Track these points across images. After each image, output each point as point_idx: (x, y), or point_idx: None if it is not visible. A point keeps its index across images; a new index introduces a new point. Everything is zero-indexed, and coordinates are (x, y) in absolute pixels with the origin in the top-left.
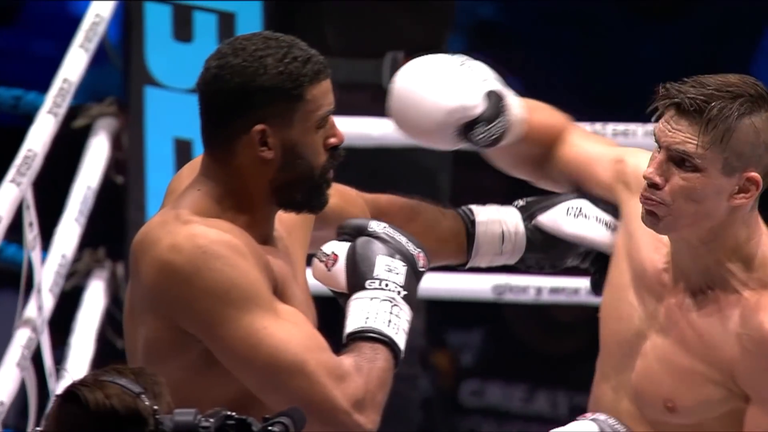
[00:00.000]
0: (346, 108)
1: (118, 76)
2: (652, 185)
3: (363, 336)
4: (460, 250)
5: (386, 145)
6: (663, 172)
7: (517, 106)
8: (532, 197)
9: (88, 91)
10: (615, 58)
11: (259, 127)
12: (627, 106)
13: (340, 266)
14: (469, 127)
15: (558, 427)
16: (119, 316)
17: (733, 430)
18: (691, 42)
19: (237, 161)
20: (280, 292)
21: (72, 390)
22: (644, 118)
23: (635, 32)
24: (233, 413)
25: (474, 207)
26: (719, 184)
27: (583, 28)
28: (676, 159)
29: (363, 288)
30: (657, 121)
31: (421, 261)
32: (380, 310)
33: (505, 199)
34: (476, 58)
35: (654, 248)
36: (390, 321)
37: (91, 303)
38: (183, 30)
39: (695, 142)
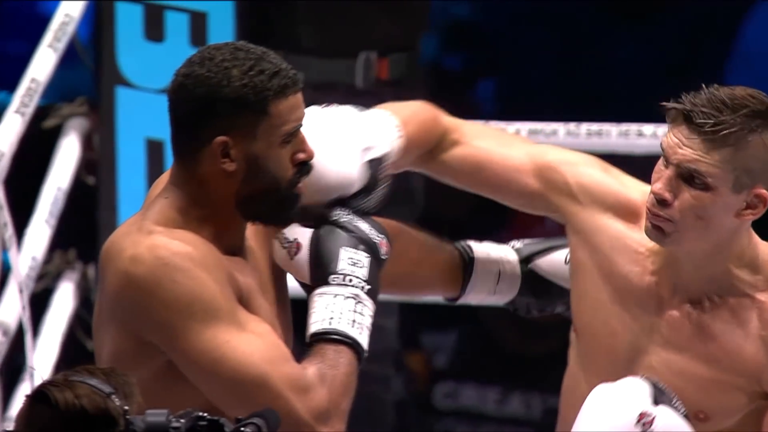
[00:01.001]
0: None
1: (89, 76)
2: (661, 201)
3: (327, 338)
4: (456, 285)
5: None
6: (672, 188)
7: (393, 136)
8: (528, 240)
9: (59, 91)
10: (590, 58)
11: (220, 138)
12: (602, 105)
13: (303, 256)
14: (345, 199)
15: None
16: (89, 318)
17: (750, 429)
18: (667, 42)
19: (201, 171)
20: (244, 304)
21: (42, 390)
22: (619, 119)
23: (611, 32)
24: (205, 414)
25: (472, 243)
26: (729, 202)
27: (557, 28)
28: (685, 175)
29: (326, 283)
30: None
31: (384, 248)
32: (344, 309)
33: (478, 202)
34: (451, 57)
35: (632, 260)
36: (354, 321)
37: (60, 305)
38: (155, 30)
39: (707, 160)
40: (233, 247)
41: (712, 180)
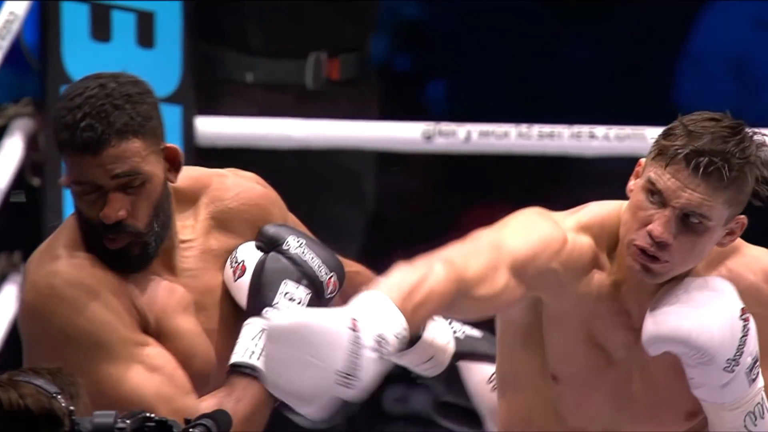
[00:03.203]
0: (268, 109)
1: (34, 76)
2: (662, 245)
3: (241, 371)
4: None
5: (310, 147)
6: (672, 230)
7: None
8: (474, 334)
9: (5, 92)
10: (541, 59)
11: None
12: (554, 107)
13: (245, 280)
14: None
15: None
16: None
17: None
18: (617, 43)
19: None
20: (154, 327)
21: None
22: (569, 120)
23: (562, 34)
24: (152, 415)
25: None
26: (718, 235)
27: (508, 29)
28: (682, 215)
29: (259, 315)
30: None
31: (331, 287)
32: None
33: (430, 204)
34: (401, 58)
35: (603, 300)
36: None
37: (2, 307)
38: (101, 29)
39: (711, 203)
40: (144, 265)
41: (713, 222)
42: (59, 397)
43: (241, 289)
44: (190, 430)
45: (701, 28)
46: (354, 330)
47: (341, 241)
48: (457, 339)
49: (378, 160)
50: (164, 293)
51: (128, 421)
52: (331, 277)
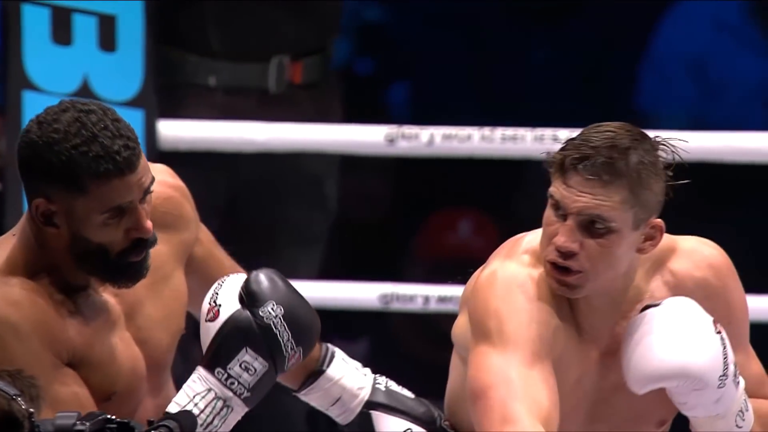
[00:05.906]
0: (231, 112)
1: None
2: (569, 254)
3: None
4: (298, 381)
5: (272, 151)
6: (576, 238)
7: None
8: (395, 387)
9: None
10: (504, 62)
11: (38, 201)
12: (517, 110)
13: (213, 327)
14: None
15: None
16: None
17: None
18: (580, 46)
19: (33, 224)
20: (79, 358)
21: None
22: (533, 123)
23: (525, 36)
24: (113, 416)
25: (337, 357)
26: (630, 240)
27: (470, 32)
28: (585, 223)
29: (211, 372)
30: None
31: (293, 360)
32: (208, 408)
33: (393, 207)
34: (363, 61)
35: (578, 349)
36: (210, 423)
37: None
38: (62, 33)
39: (608, 203)
40: (84, 285)
41: (615, 223)
42: (19, 399)
43: (208, 332)
44: (153, 431)
45: (662, 31)
46: None
47: (304, 245)
48: (376, 389)
49: (341, 164)
50: (95, 314)
51: (88, 423)
52: (297, 352)
